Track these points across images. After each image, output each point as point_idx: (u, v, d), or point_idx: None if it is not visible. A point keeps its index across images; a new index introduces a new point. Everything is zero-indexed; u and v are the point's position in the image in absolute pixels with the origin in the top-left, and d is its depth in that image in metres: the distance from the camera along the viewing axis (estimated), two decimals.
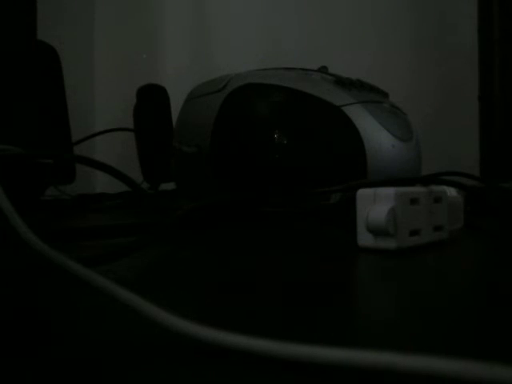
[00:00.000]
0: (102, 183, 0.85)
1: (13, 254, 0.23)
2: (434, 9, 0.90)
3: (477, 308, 0.14)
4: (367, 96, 0.44)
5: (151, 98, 0.86)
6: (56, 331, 0.12)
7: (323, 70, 0.49)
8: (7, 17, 0.43)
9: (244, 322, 0.13)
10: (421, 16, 0.90)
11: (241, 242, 0.29)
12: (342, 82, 0.44)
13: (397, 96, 0.53)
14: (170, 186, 0.73)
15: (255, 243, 0.28)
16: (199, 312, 0.14)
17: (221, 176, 0.45)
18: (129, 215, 0.47)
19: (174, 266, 0.22)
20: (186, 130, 0.50)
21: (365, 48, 0.90)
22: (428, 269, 0.20)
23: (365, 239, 0.24)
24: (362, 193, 0.24)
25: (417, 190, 0.24)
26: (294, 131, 0.42)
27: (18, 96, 0.45)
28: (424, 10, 0.90)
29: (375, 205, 0.23)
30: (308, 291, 0.16)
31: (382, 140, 0.42)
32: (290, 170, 0.41)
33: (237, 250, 0.26)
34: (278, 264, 0.21)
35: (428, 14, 0.90)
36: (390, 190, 0.23)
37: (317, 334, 0.12)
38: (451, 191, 0.28)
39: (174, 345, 0.11)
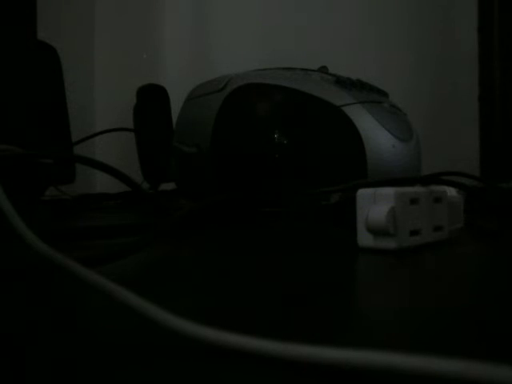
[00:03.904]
0: (102, 183, 0.85)
1: (13, 254, 0.23)
2: (434, 9, 0.90)
3: (477, 308, 0.14)
4: (367, 96, 0.44)
5: (151, 98, 0.86)
6: (56, 331, 0.12)
7: (323, 70, 0.49)
8: (7, 17, 0.43)
9: (244, 321, 0.13)
10: (421, 16, 0.90)
11: (241, 242, 0.29)
12: (342, 82, 0.44)
13: (397, 96, 0.53)
14: (170, 185, 0.73)
15: (255, 243, 0.28)
16: (199, 312, 0.14)
17: (221, 176, 0.45)
18: (129, 215, 0.47)
19: (174, 265, 0.22)
20: (186, 130, 0.50)
21: (365, 48, 0.90)
22: (428, 269, 0.20)
23: (365, 239, 0.24)
24: (362, 193, 0.24)
25: (417, 190, 0.24)
26: (294, 131, 0.42)
27: (18, 96, 0.45)
28: (424, 10, 0.90)
29: (375, 205, 0.23)
30: (308, 291, 0.16)
31: (382, 140, 0.42)
32: (290, 169, 0.41)
33: (236, 250, 0.26)
34: (277, 264, 0.21)
35: (428, 14, 0.90)
36: (389, 190, 0.23)
37: (317, 333, 0.12)
38: (451, 191, 0.28)
39: (174, 345, 0.11)
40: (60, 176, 0.63)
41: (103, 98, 0.94)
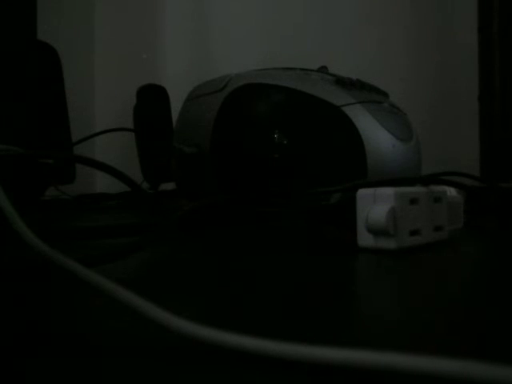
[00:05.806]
0: (102, 183, 0.85)
1: (13, 254, 0.23)
2: (434, 9, 0.90)
3: (477, 308, 0.14)
4: (367, 96, 0.44)
5: (151, 98, 0.86)
6: (56, 331, 0.12)
7: (323, 70, 0.49)
8: (7, 17, 0.43)
9: (243, 321, 0.13)
10: (421, 16, 0.90)
11: (240, 242, 0.29)
12: (342, 82, 0.44)
13: (397, 96, 0.53)
14: (170, 185, 0.73)
15: (255, 243, 0.28)
16: (199, 312, 0.14)
17: (221, 176, 0.45)
18: (129, 215, 0.47)
19: (174, 266, 0.22)
20: (186, 130, 0.50)
21: (365, 48, 0.90)
22: (428, 269, 0.20)
23: (365, 239, 0.24)
24: (362, 193, 0.24)
25: (417, 189, 0.24)
26: (294, 131, 0.42)
27: (18, 96, 0.45)
28: (424, 10, 0.90)
29: (375, 205, 0.23)
30: (308, 291, 0.16)
31: (382, 140, 0.42)
32: (290, 169, 0.41)
33: (236, 250, 0.26)
34: (277, 264, 0.21)
35: (428, 14, 0.90)
36: (389, 190, 0.23)
37: (317, 334, 0.12)
38: (451, 191, 0.28)
39: (174, 345, 0.11)
40: (60, 176, 0.63)
41: (103, 98, 0.94)
